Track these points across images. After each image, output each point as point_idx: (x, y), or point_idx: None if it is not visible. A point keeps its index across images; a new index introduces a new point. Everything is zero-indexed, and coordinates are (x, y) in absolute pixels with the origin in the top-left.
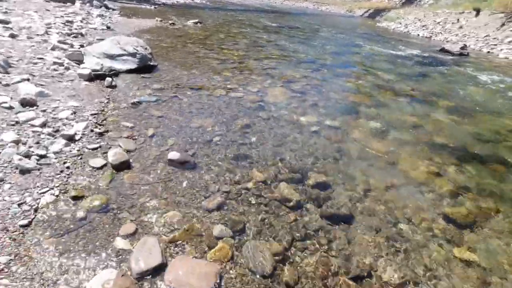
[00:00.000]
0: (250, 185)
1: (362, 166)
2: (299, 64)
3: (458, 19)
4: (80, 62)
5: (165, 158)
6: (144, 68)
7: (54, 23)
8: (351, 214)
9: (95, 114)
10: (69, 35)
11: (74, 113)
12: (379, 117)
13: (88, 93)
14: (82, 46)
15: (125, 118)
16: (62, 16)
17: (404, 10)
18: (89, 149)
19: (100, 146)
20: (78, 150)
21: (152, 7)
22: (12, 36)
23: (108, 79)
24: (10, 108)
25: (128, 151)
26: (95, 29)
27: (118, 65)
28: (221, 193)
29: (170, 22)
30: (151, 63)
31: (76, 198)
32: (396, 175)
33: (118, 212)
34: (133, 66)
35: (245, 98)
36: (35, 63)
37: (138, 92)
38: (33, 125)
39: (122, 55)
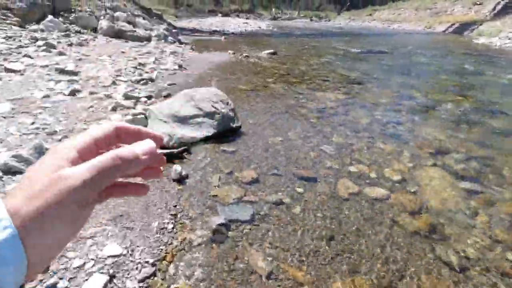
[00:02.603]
0: None
1: None
2: (425, 114)
3: None
4: None
5: None
6: (225, 132)
7: (125, 68)
8: None
9: (147, 278)
10: (138, 81)
11: (112, 278)
12: None
13: (145, 205)
14: (149, 97)
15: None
16: (135, 58)
17: (501, 22)
18: None
19: None
20: None
21: (222, 37)
22: (73, 93)
23: (177, 168)
24: None
25: None
26: (166, 70)
27: (191, 133)
28: None
29: (244, 54)
30: (234, 125)
31: None
32: None
33: None
34: (210, 132)
35: (391, 201)
36: None
37: (221, 191)
38: None
39: (197, 116)
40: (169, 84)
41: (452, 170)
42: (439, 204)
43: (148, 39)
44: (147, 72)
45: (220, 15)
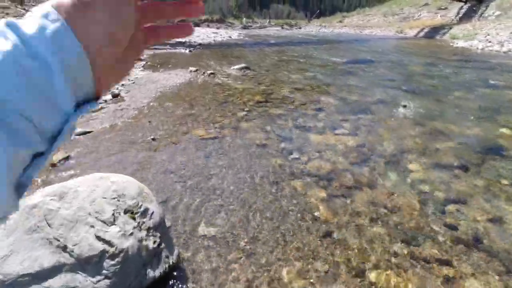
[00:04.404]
0: None
1: None
2: (484, 172)
3: None
4: None
5: None
6: None
7: None
8: None
9: None
10: None
11: None
12: None
13: None
14: None
15: None
16: None
17: (471, 25)
18: None
19: None
20: None
21: (187, 50)
22: None
23: None
24: None
25: None
26: None
27: None
28: None
29: (209, 72)
30: (156, 273)
31: None
32: None
33: None
34: None
35: None
36: None
37: None
38: None
39: (56, 271)
40: (77, 134)
41: None
42: None
43: None
44: None
45: None
